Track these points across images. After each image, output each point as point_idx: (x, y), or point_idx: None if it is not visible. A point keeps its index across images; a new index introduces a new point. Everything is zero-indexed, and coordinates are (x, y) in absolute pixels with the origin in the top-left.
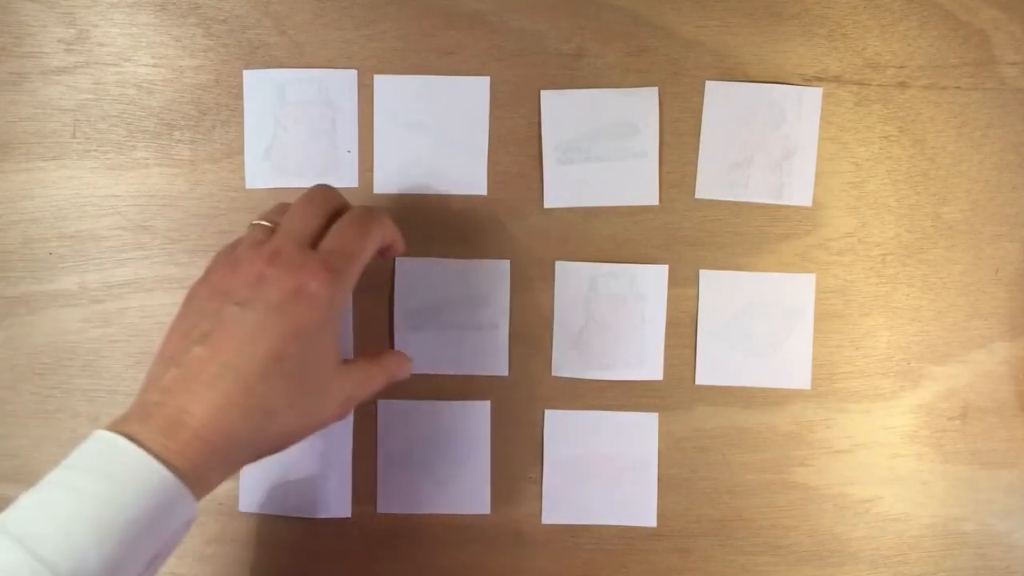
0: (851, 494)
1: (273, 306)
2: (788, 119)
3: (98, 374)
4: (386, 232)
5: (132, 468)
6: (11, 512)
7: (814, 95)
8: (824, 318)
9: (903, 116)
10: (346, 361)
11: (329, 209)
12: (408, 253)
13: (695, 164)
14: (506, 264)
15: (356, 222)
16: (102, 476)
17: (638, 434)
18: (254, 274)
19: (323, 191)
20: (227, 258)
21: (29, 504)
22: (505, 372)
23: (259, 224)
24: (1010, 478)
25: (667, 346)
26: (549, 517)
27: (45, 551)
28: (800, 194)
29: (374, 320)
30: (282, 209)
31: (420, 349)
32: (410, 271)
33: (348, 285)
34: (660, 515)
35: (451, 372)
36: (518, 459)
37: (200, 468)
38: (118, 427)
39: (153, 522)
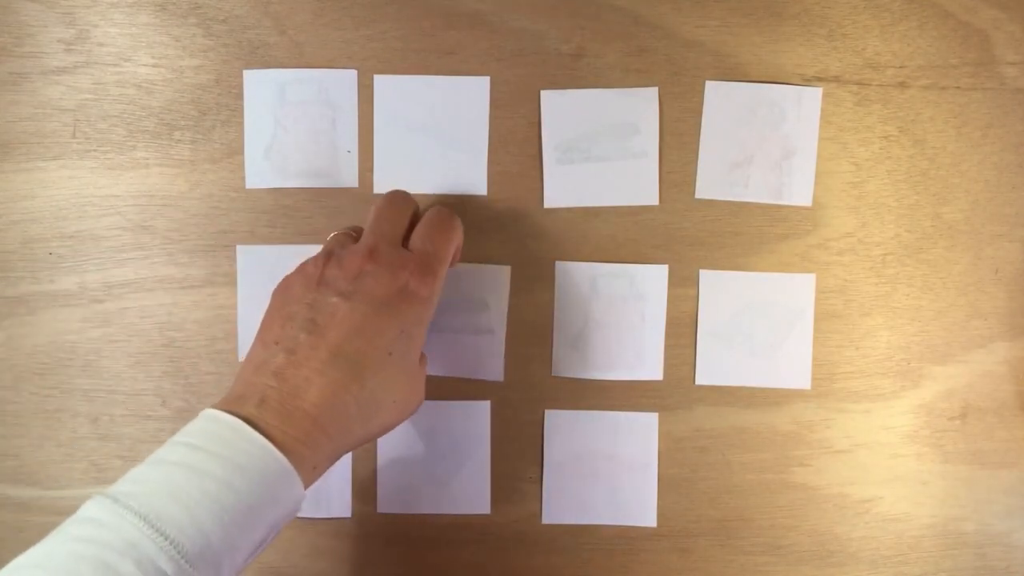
0: (851, 494)
1: (379, 301)
2: (788, 119)
3: (98, 374)
4: (461, 234)
5: (254, 455)
6: (132, 487)
7: (814, 95)
8: (824, 318)
9: (903, 116)
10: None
11: (409, 212)
12: None
13: (695, 164)
14: (506, 270)
15: (441, 224)
16: (226, 460)
17: (638, 434)
18: (354, 268)
19: (403, 196)
20: (320, 255)
21: (152, 481)
22: (500, 378)
23: (341, 232)
24: (1010, 478)
25: (667, 346)
26: (549, 517)
27: (172, 531)
28: (800, 194)
29: None
30: (356, 228)
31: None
32: None
33: (440, 285)
34: (660, 515)
35: (446, 375)
36: (518, 459)
37: (314, 456)
38: (233, 407)
39: (269, 508)
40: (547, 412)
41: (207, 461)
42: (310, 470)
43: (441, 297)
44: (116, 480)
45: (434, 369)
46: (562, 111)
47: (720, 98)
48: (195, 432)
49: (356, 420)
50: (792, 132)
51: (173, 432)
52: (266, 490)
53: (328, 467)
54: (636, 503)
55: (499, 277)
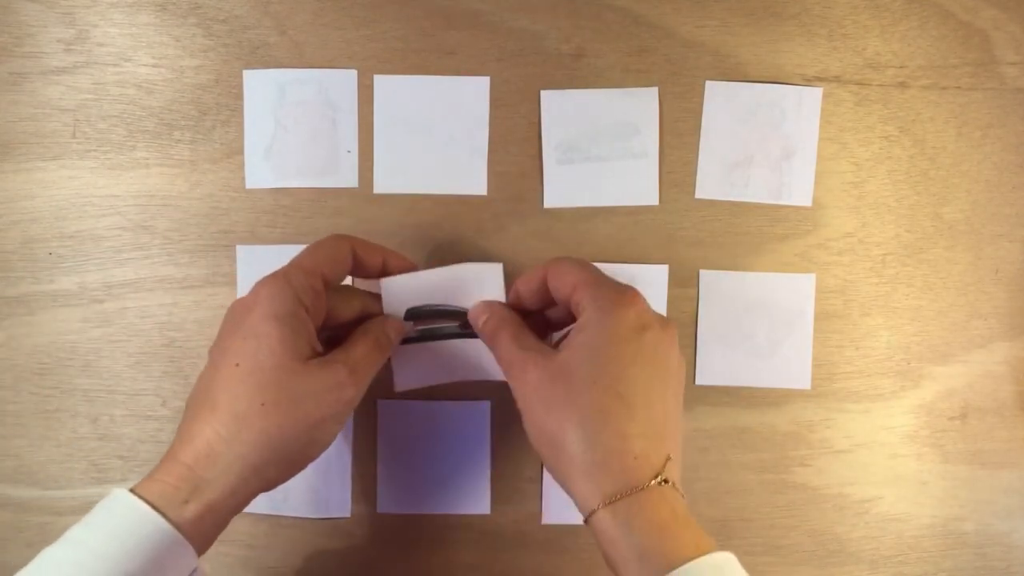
0: (851, 494)
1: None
2: (788, 119)
3: (98, 374)
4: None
5: (133, 521)
6: (30, 569)
7: (814, 95)
8: (824, 318)
9: (903, 116)
10: (321, 362)
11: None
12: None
13: (695, 164)
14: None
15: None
16: (102, 531)
17: None
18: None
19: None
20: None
21: (44, 560)
22: (501, 377)
23: None
24: (1010, 478)
25: None
26: (549, 517)
27: None
28: (800, 194)
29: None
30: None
31: (414, 357)
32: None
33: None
34: None
35: (446, 380)
36: (518, 459)
37: (205, 525)
38: (139, 487)
39: (151, 573)
40: None
41: (85, 533)
42: (199, 535)
43: (439, 300)
44: (115, 480)
45: (437, 376)
46: (562, 111)
47: (720, 98)
48: (94, 509)
49: (251, 498)
50: (792, 132)
51: (173, 432)
52: (146, 556)
53: (222, 529)
54: None
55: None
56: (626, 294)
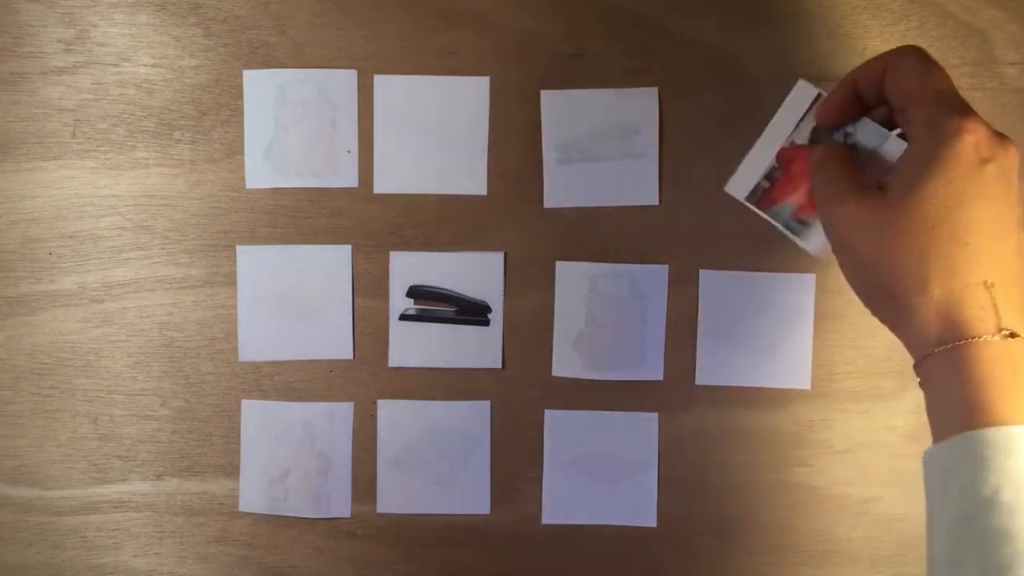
0: (851, 494)
1: None
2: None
3: (98, 374)
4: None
5: None
6: None
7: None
8: (824, 318)
9: None
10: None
11: None
12: (407, 253)
13: (695, 164)
14: (499, 257)
15: None
16: None
17: (638, 434)
18: None
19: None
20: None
21: None
22: (499, 365)
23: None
24: None
25: (667, 346)
26: (549, 517)
27: None
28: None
29: (371, 316)
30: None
31: (415, 343)
32: (406, 263)
33: None
34: (660, 515)
35: (439, 364)
36: (518, 459)
37: None
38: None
39: None
40: (547, 412)
41: None
42: None
43: (441, 283)
44: (115, 480)
45: (430, 358)
46: (562, 111)
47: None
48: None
49: None
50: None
51: (173, 432)
52: None
53: None
54: (636, 503)
55: (494, 266)
56: (965, 122)
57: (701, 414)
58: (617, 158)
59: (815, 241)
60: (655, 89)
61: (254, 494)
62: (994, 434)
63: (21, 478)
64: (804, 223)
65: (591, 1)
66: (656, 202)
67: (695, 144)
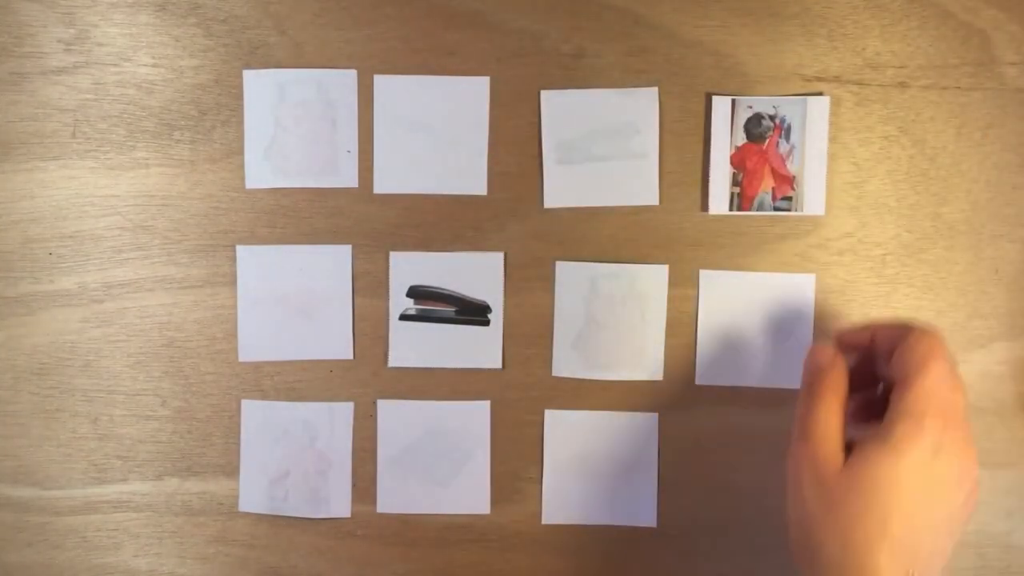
0: None
1: None
2: (795, 129)
3: (98, 374)
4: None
5: None
6: None
7: (822, 104)
8: (824, 318)
9: (903, 116)
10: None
11: None
12: (407, 253)
13: (695, 164)
14: (499, 256)
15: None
16: None
17: (638, 434)
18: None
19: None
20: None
21: None
22: (499, 366)
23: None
24: (1010, 478)
25: (667, 346)
26: (549, 517)
27: None
28: (813, 203)
29: (371, 316)
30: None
31: (415, 343)
32: (406, 263)
33: None
34: (660, 515)
35: (438, 364)
36: (518, 459)
37: None
38: None
39: None
40: (547, 412)
41: None
42: None
43: (441, 283)
44: (115, 480)
45: (430, 358)
46: (562, 111)
47: (725, 108)
48: None
49: None
50: (799, 142)
51: (173, 432)
52: None
53: None
54: (636, 503)
55: (493, 265)
56: (923, 420)
57: (701, 414)
58: (617, 158)
59: (811, 205)
60: (655, 89)
61: (254, 494)
62: None
63: (21, 478)
64: (788, 199)
65: (591, 1)
66: (656, 202)
67: (695, 144)
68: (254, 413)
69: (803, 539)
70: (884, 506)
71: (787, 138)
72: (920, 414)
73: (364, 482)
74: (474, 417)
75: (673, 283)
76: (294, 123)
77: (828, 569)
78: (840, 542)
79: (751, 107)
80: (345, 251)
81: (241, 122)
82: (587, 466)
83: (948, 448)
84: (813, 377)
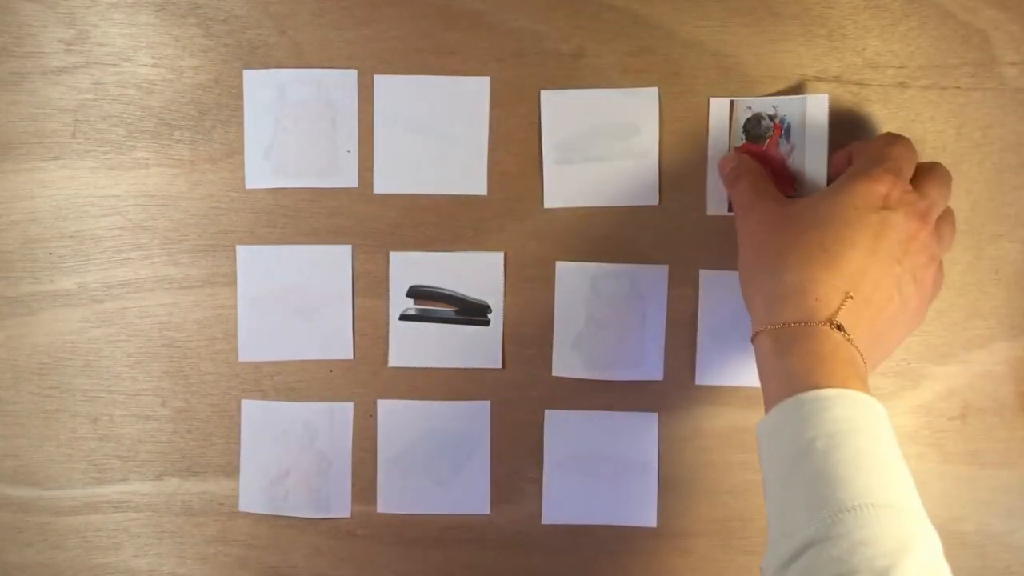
0: None
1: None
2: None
3: (98, 374)
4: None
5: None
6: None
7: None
8: None
9: (903, 116)
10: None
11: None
12: (407, 253)
13: (695, 164)
14: (499, 256)
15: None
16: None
17: (638, 434)
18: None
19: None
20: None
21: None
22: (499, 366)
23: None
24: (1010, 478)
25: (667, 346)
26: (549, 517)
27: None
28: None
29: (371, 316)
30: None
31: (415, 343)
32: (406, 263)
33: None
34: (660, 515)
35: (438, 364)
36: (518, 459)
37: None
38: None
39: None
40: (547, 412)
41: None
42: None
43: (441, 283)
44: (115, 480)
45: (430, 358)
46: (562, 111)
47: (723, 110)
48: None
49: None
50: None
51: (173, 432)
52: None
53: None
54: (636, 503)
55: (493, 265)
56: (875, 171)
57: (701, 414)
58: (617, 158)
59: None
60: (655, 89)
61: (254, 494)
62: (811, 396)
63: (21, 478)
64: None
65: (591, 1)
66: (656, 202)
67: (695, 144)
68: (254, 413)
69: (751, 270)
70: (823, 226)
71: (787, 138)
72: (872, 164)
73: (364, 482)
74: (474, 417)
75: (673, 283)
76: (294, 123)
77: (773, 289)
78: (784, 260)
79: (750, 108)
80: (345, 251)
81: (241, 122)
82: (587, 466)
83: (897, 207)
84: (732, 172)
